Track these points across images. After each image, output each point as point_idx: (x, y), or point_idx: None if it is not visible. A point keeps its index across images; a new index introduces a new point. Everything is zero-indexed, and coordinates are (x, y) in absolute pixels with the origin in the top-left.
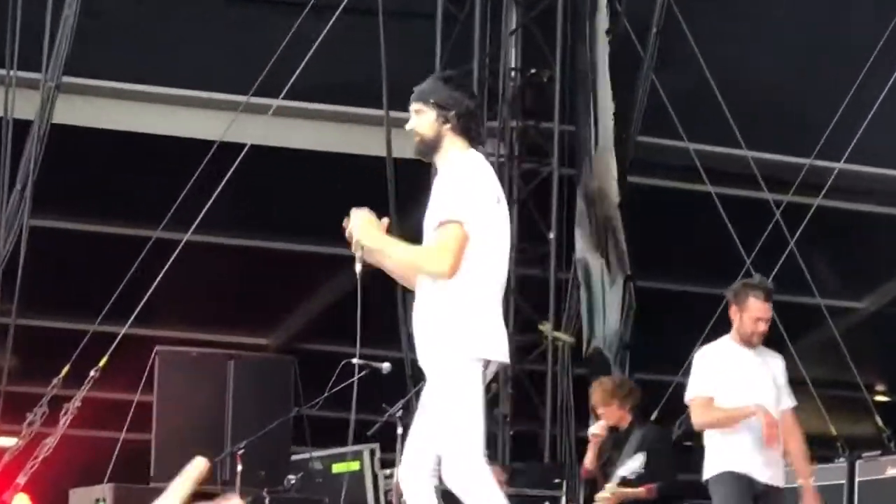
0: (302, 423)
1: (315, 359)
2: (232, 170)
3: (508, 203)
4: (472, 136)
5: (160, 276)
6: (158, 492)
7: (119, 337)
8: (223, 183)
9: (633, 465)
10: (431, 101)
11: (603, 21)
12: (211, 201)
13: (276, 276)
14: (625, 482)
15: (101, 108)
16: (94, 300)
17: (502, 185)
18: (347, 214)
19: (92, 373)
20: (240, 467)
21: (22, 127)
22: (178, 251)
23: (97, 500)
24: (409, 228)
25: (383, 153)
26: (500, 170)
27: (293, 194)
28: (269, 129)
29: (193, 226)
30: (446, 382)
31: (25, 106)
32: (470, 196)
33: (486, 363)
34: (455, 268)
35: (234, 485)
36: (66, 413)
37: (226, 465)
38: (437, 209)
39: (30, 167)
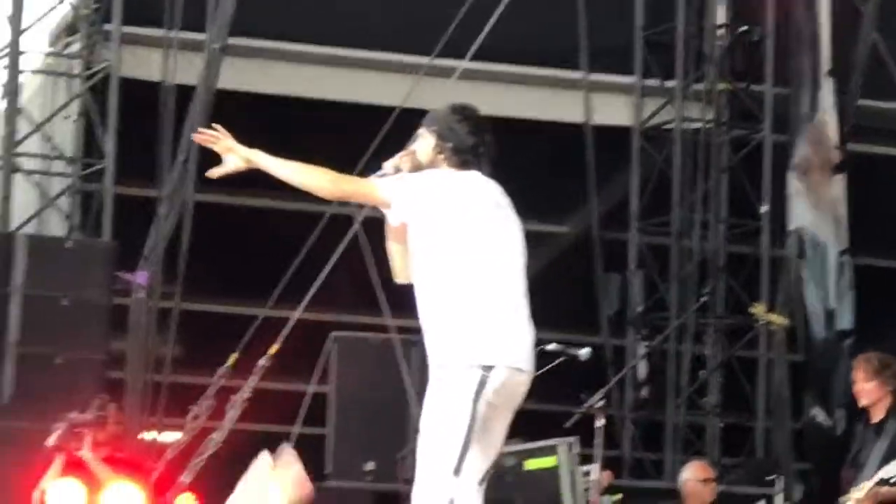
0: None
1: None
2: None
3: (716, 172)
4: (469, 168)
5: (336, 255)
6: (335, 491)
7: (292, 322)
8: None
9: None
10: (434, 129)
11: None
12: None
13: None
14: (884, 483)
15: (270, 72)
16: (265, 282)
17: (709, 153)
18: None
19: (262, 361)
20: None
21: (184, 93)
22: (354, 228)
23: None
24: (611, 197)
25: (580, 119)
26: (706, 136)
27: None
28: (454, 93)
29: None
30: (443, 392)
31: (188, 70)
32: (419, 184)
33: (489, 369)
34: (336, 195)
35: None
36: (233, 406)
37: (408, 462)
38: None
39: (192, 137)
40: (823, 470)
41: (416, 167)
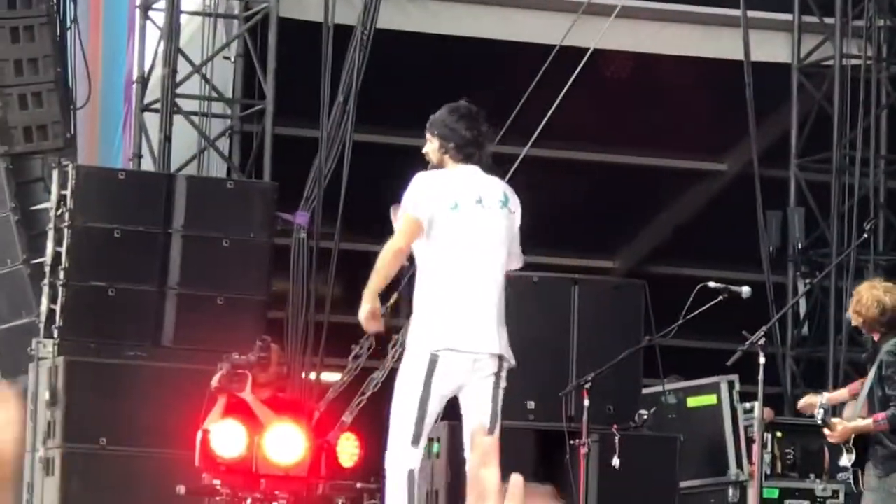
0: (653, 353)
1: (667, 282)
2: (573, 77)
3: (876, 109)
4: (473, 159)
5: None
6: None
7: None
8: (563, 91)
9: None
10: (436, 132)
11: None
12: (550, 112)
13: (623, 193)
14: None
15: (429, 12)
16: None
17: (868, 89)
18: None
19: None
20: (586, 402)
21: (343, 33)
22: (514, 167)
23: (430, 440)
24: (770, 134)
25: (739, 57)
26: (866, 73)
27: (640, 102)
28: (613, 31)
29: (531, 140)
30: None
31: (346, 10)
32: (408, 199)
33: (435, 354)
34: (401, 245)
35: (580, 422)
36: (395, 345)
37: (571, 400)
38: None
39: (353, 77)
40: None
41: (431, 165)
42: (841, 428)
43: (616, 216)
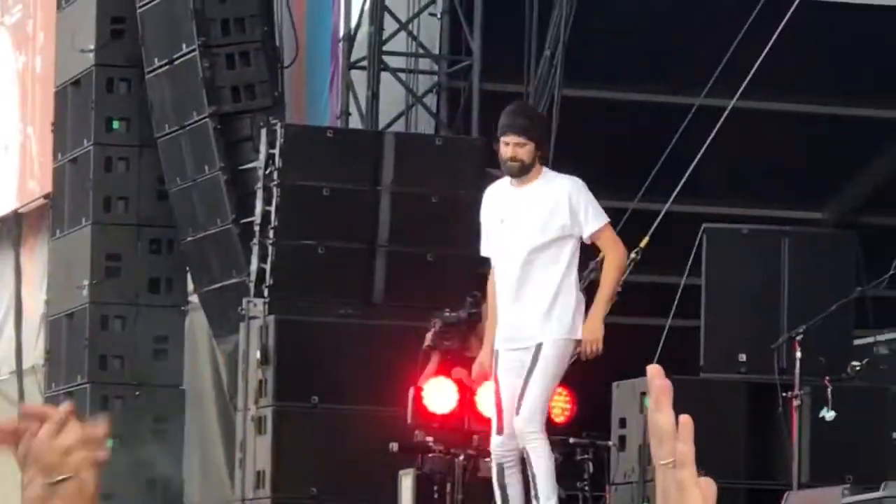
0: (865, 304)
1: (878, 233)
2: (781, 26)
3: None
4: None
5: (705, 147)
6: (711, 383)
7: (661, 214)
8: (771, 41)
9: None
10: (536, 136)
11: None
12: (759, 62)
13: (834, 143)
14: None
15: None
16: (632, 175)
17: None
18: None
19: (633, 254)
20: (798, 354)
21: None
22: (723, 119)
23: (642, 394)
24: None
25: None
26: None
27: (846, 52)
28: None
29: (740, 90)
30: None
31: None
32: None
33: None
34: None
35: (792, 374)
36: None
37: (783, 352)
38: (567, 216)
39: (560, 29)
40: None
41: (523, 168)
42: None
43: (824, 167)
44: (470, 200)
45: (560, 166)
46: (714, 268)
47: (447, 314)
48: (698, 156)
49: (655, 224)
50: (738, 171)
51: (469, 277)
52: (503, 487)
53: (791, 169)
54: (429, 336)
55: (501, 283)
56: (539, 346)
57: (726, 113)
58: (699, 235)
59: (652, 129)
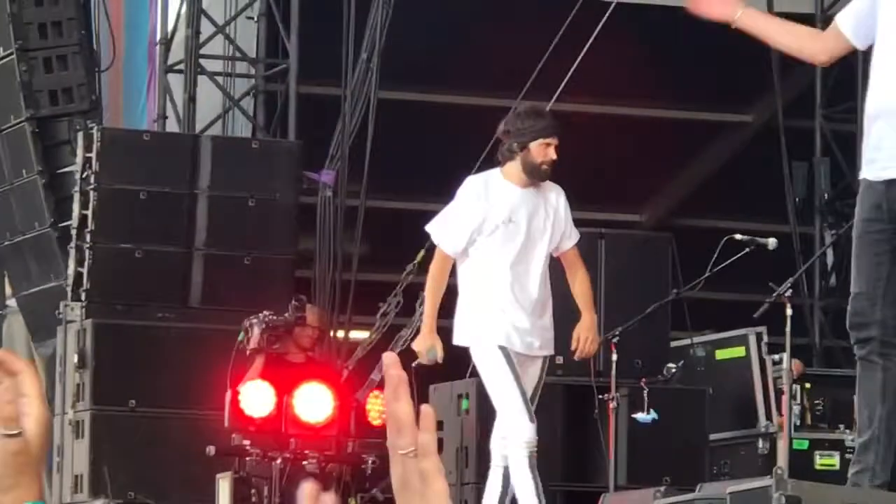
0: (681, 306)
1: (694, 235)
2: (597, 30)
3: None
4: None
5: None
6: None
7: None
8: (588, 44)
9: None
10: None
11: None
12: (575, 65)
13: (649, 146)
14: None
15: None
16: (451, 178)
17: None
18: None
19: None
20: (615, 356)
21: None
22: None
23: (460, 396)
24: (795, 85)
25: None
26: None
27: (663, 55)
28: None
29: (556, 93)
30: None
31: None
32: None
33: None
34: None
35: (608, 376)
36: (422, 303)
37: (599, 355)
38: (563, 225)
39: (377, 32)
40: None
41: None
42: None
43: (642, 169)
44: (286, 203)
45: (379, 170)
46: None
47: (272, 317)
48: None
49: None
50: (556, 173)
51: (286, 280)
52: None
53: (609, 171)
54: (254, 339)
55: (507, 286)
56: (546, 360)
57: None
58: None
59: (469, 131)
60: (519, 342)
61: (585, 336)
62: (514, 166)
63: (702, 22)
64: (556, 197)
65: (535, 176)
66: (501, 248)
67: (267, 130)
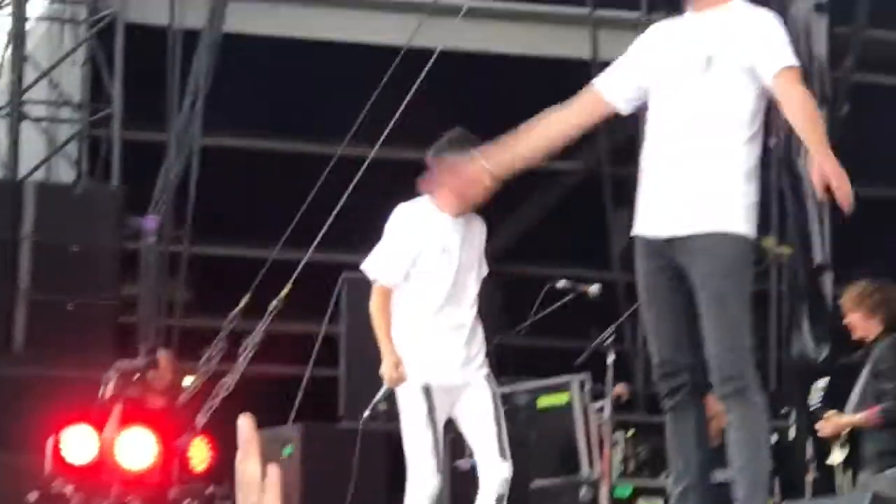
0: (504, 352)
1: (517, 281)
2: (420, 78)
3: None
4: None
5: (345, 196)
6: (349, 432)
7: (302, 264)
8: (411, 93)
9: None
10: None
11: None
12: (398, 113)
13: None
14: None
15: (276, 14)
16: (274, 225)
17: None
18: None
19: (273, 304)
20: None
21: (191, 37)
22: (363, 169)
23: (283, 443)
24: (619, 132)
25: (587, 56)
26: None
27: (489, 103)
28: (460, 32)
29: (379, 141)
30: None
31: (194, 13)
32: None
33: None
34: None
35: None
36: (245, 348)
37: None
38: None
39: (200, 81)
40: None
41: None
42: (833, 420)
43: None
44: (110, 249)
45: (204, 214)
46: (353, 317)
47: (127, 363)
48: (338, 205)
49: (296, 274)
50: (379, 221)
51: (109, 326)
52: None
53: None
54: (110, 386)
55: (439, 318)
56: (490, 376)
57: (367, 163)
58: (339, 285)
59: (294, 177)
60: (450, 373)
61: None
62: (446, 194)
63: (526, 70)
64: (480, 227)
65: (469, 203)
66: (434, 279)
67: (91, 176)
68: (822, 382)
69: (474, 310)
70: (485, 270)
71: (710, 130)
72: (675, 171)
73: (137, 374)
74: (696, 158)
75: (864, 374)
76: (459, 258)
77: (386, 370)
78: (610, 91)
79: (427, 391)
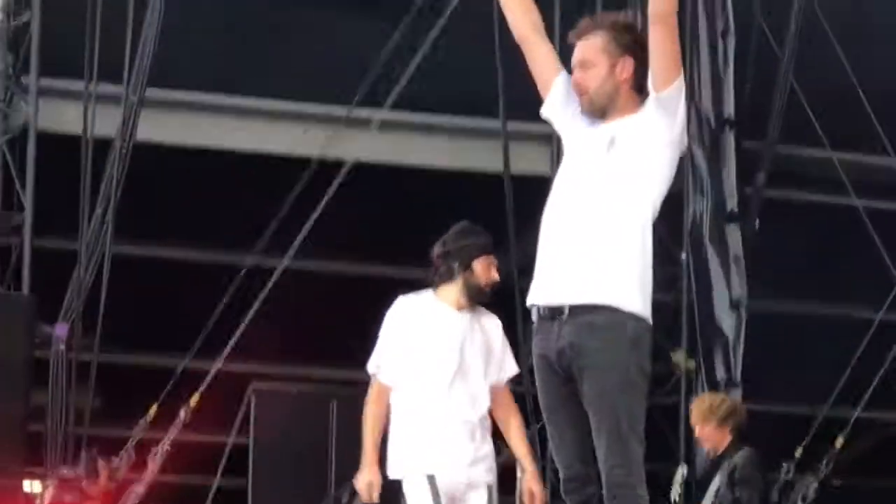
0: None
1: None
2: (333, 189)
3: None
4: None
5: (255, 307)
6: None
7: (211, 374)
8: (323, 204)
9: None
10: None
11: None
12: (310, 224)
13: (383, 306)
14: None
15: (188, 124)
16: (183, 334)
17: None
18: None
19: (182, 413)
20: None
21: (102, 146)
22: (274, 279)
23: None
24: (530, 245)
25: (500, 169)
26: None
27: (400, 215)
28: (374, 144)
29: (291, 251)
30: None
31: (106, 123)
32: None
33: None
34: None
35: None
36: (154, 457)
37: None
38: (500, 355)
39: (111, 190)
40: None
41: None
42: None
43: (376, 329)
44: (19, 357)
45: (114, 323)
46: (263, 427)
47: (64, 471)
48: (249, 315)
49: (205, 384)
50: (288, 332)
51: (18, 434)
52: None
53: (343, 331)
54: (47, 495)
55: (441, 413)
56: (492, 490)
57: (278, 273)
58: (248, 395)
59: (205, 287)
60: (454, 473)
61: (538, 489)
62: (452, 288)
63: (438, 181)
64: (491, 326)
65: (477, 297)
66: (434, 374)
67: (1, 284)
68: (680, 475)
69: (481, 410)
70: (509, 369)
71: (608, 207)
72: (570, 242)
73: (74, 481)
74: (591, 232)
75: (717, 482)
76: (460, 354)
77: (359, 484)
78: (560, 82)
79: (432, 481)
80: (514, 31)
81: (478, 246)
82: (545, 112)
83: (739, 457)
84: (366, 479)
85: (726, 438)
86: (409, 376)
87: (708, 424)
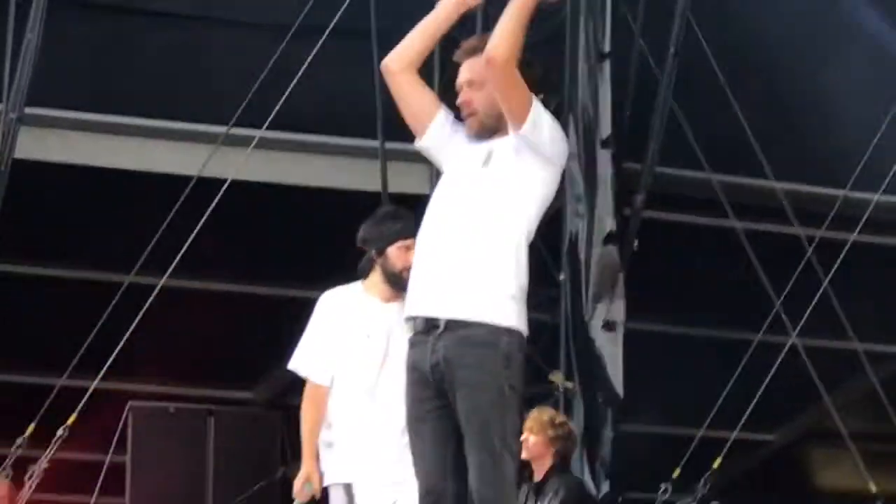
0: (290, 484)
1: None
2: (211, 208)
3: None
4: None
5: (133, 325)
6: None
7: (89, 392)
8: (201, 222)
9: None
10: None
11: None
12: (188, 243)
13: (262, 324)
14: None
15: (67, 142)
16: (61, 352)
17: None
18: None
19: (60, 432)
20: None
21: None
22: (152, 297)
23: None
24: None
25: (378, 188)
26: None
27: (279, 234)
28: (252, 162)
29: (169, 270)
30: None
31: None
32: None
33: None
34: None
35: None
36: (31, 476)
37: None
38: None
39: None
40: None
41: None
42: None
43: (255, 347)
44: None
45: None
46: (139, 445)
47: None
48: (127, 333)
49: (83, 402)
50: (166, 350)
51: None
52: None
53: (222, 349)
54: None
55: (366, 412)
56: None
57: (156, 291)
58: (126, 413)
59: (81, 305)
60: (381, 474)
61: None
62: (375, 278)
63: (316, 200)
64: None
65: (396, 286)
66: (358, 369)
67: None
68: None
69: None
70: None
71: (484, 221)
72: (446, 255)
73: None
74: (466, 245)
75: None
76: (385, 348)
77: (296, 484)
78: (444, 114)
79: (348, 490)
80: (392, 65)
81: (393, 230)
82: (426, 141)
83: (564, 486)
84: (301, 474)
85: (548, 460)
86: (336, 374)
87: (538, 436)
